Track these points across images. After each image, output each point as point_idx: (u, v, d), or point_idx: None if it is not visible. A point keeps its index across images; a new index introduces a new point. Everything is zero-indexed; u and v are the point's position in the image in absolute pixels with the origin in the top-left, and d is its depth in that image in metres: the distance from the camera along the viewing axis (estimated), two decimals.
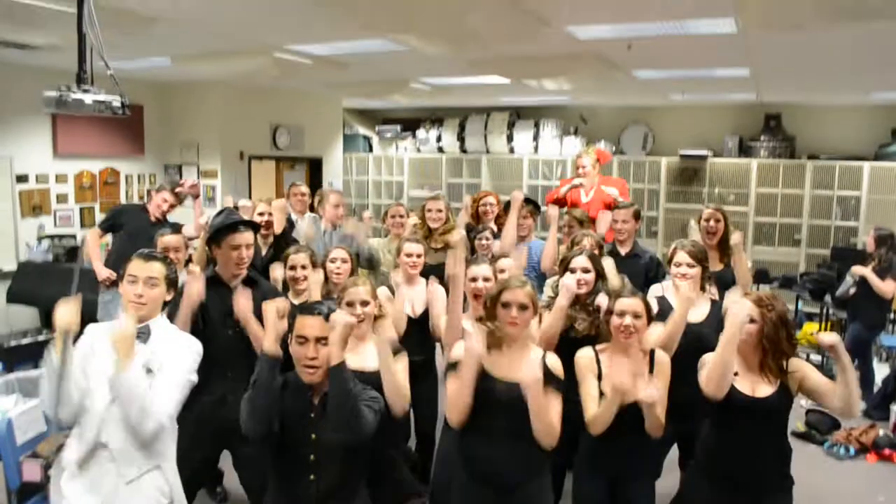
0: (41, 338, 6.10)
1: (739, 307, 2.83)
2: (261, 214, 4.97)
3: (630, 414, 2.94)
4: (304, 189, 6.08)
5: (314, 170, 9.87)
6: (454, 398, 2.82)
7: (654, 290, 4.12)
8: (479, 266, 3.66)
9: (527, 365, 2.75)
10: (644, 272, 4.64)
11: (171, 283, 2.83)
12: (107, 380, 2.56)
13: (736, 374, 2.89)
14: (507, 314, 2.87)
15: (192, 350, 2.80)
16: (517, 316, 2.87)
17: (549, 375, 2.80)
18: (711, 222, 4.57)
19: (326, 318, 2.55)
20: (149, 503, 2.66)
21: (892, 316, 7.36)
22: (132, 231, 5.60)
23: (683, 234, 8.94)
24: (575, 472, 3.29)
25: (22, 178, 7.25)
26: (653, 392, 2.87)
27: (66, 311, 2.46)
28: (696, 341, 3.36)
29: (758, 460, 2.88)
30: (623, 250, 4.83)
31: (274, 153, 9.19)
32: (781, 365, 2.89)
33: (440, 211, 5.24)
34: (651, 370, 3.11)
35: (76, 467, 2.63)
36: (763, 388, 2.87)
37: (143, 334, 2.67)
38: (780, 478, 2.95)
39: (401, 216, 5.42)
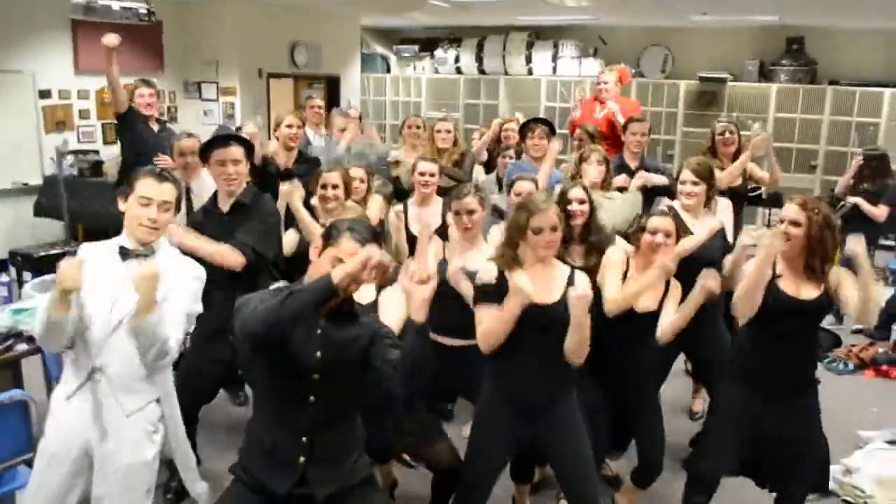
0: (68, 249, 6.30)
1: (773, 237, 2.81)
2: (289, 127, 4.80)
3: (636, 322, 3.10)
4: (320, 102, 6.12)
5: (332, 89, 9.88)
6: (491, 330, 2.77)
7: (663, 203, 4.22)
8: (464, 199, 3.40)
9: (575, 284, 2.78)
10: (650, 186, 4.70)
11: (179, 203, 2.71)
12: (108, 306, 2.47)
13: (779, 275, 2.92)
14: (542, 239, 2.79)
15: (196, 277, 2.70)
16: (552, 238, 2.81)
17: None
18: (727, 134, 4.64)
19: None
20: (140, 434, 2.57)
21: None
22: (138, 139, 5.31)
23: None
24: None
25: (45, 94, 7.34)
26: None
27: (70, 272, 2.30)
28: (703, 263, 3.32)
29: (796, 362, 2.95)
30: (633, 164, 4.89)
31: (292, 71, 9.21)
32: (825, 268, 2.88)
33: (449, 132, 5.22)
34: (666, 290, 3.19)
35: (72, 395, 2.55)
36: (808, 291, 2.89)
37: (148, 257, 2.56)
38: (811, 379, 3.02)
39: (418, 127, 5.46)
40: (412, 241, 3.82)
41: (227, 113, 8.51)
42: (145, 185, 2.56)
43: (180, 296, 2.58)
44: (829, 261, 2.90)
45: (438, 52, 11.13)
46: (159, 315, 2.44)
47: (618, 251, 3.30)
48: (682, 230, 3.29)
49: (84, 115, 7.75)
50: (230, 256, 3.22)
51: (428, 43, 11.33)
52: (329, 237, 2.30)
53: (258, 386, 2.42)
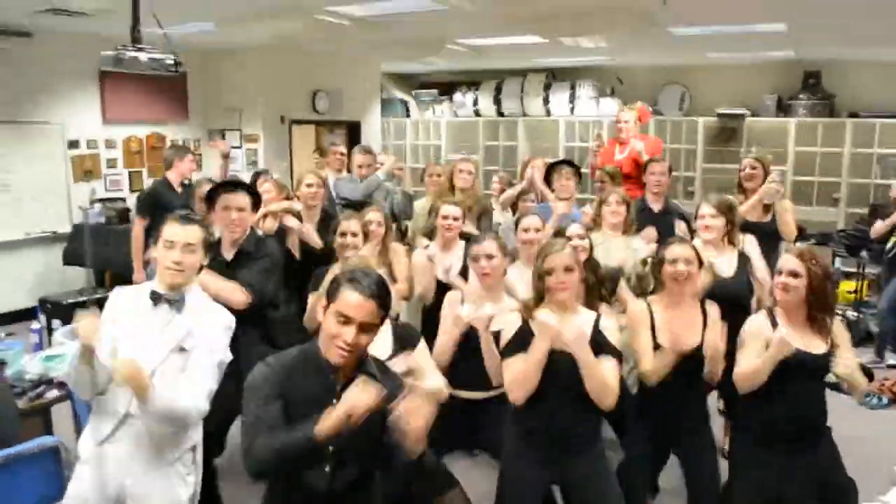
0: (96, 296, 6.39)
1: (784, 338, 2.79)
2: (309, 186, 4.59)
3: (684, 365, 2.99)
4: (343, 149, 6.24)
5: (353, 134, 10.02)
6: (522, 377, 2.74)
7: (678, 229, 4.24)
8: (482, 244, 3.39)
9: (570, 325, 2.72)
10: (675, 229, 4.68)
11: (209, 246, 2.76)
12: (139, 353, 2.44)
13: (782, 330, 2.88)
14: (555, 280, 2.81)
15: (225, 325, 2.67)
16: (565, 279, 2.81)
17: (600, 341, 2.79)
18: (747, 170, 4.63)
19: (380, 303, 2.17)
20: (175, 478, 2.58)
21: None
22: (167, 211, 5.56)
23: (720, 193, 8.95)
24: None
25: (73, 144, 7.55)
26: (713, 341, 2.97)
27: (88, 327, 2.32)
28: (729, 298, 3.38)
29: (808, 416, 2.91)
30: (657, 206, 4.85)
31: (314, 117, 9.36)
32: (827, 319, 2.91)
33: (470, 173, 5.17)
34: (704, 321, 3.12)
35: (104, 441, 2.53)
36: (814, 344, 2.89)
37: (178, 302, 2.57)
38: (822, 429, 2.99)
39: (438, 175, 5.47)
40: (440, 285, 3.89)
41: (251, 160, 8.65)
42: (170, 229, 2.61)
43: (208, 349, 2.55)
44: (830, 311, 2.93)
45: (457, 96, 11.28)
46: (183, 365, 2.47)
47: (638, 303, 3.24)
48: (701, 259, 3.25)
49: (111, 164, 7.93)
50: (234, 296, 3.27)
51: (447, 87, 11.49)
52: (330, 293, 2.20)
53: None
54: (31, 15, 6.10)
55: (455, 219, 4.11)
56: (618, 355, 2.81)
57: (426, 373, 2.98)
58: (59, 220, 7.43)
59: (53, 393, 3.56)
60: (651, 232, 4.50)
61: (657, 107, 10.15)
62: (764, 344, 2.89)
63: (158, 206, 5.51)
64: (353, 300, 2.12)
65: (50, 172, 7.34)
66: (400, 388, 2.26)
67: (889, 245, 6.31)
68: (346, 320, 2.11)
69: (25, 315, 6.56)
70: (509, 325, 2.88)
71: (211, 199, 3.59)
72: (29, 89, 7.10)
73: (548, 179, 5.15)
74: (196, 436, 2.66)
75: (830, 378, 2.97)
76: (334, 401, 2.09)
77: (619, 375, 2.79)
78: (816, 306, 2.89)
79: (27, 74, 7.04)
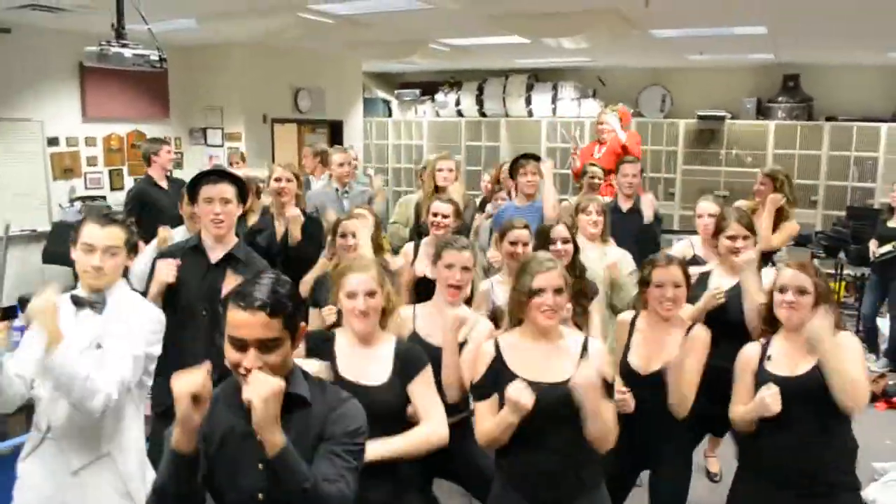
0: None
1: (772, 397, 2.49)
2: (277, 180, 4.38)
3: (652, 390, 2.77)
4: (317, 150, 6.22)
5: (335, 133, 10.00)
6: (491, 436, 2.36)
7: (681, 247, 4.13)
8: (461, 252, 2.96)
9: (579, 368, 2.30)
10: (641, 229, 4.78)
11: (133, 247, 2.53)
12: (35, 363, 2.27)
13: (769, 357, 2.65)
14: (542, 302, 2.37)
15: (150, 319, 2.50)
16: (555, 303, 2.38)
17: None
18: (757, 185, 4.71)
19: (275, 311, 1.76)
20: (108, 495, 2.38)
21: None
22: (156, 209, 5.34)
23: (700, 196, 9.02)
24: None
25: (53, 142, 7.46)
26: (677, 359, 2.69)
27: (40, 306, 2.17)
28: (722, 312, 3.23)
29: (811, 456, 2.51)
30: (625, 206, 4.92)
31: (296, 116, 9.34)
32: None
33: (451, 171, 4.99)
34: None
35: (26, 457, 2.44)
36: (803, 365, 2.55)
37: (98, 305, 2.42)
38: (841, 474, 2.56)
39: (450, 170, 5.21)
40: (425, 283, 3.70)
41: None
42: (88, 230, 2.43)
43: (123, 336, 2.38)
44: (836, 328, 2.57)
45: (439, 96, 11.29)
46: (88, 355, 2.29)
47: (626, 314, 3.09)
48: (689, 277, 3.00)
49: (91, 161, 7.85)
50: None
51: (429, 87, 11.50)
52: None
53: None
54: (10, 10, 6.03)
55: (445, 216, 3.97)
56: (610, 389, 2.43)
57: (426, 411, 2.47)
58: (39, 219, 7.34)
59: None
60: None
61: (638, 108, 10.22)
62: (752, 379, 2.65)
63: (145, 205, 5.44)
64: (238, 318, 1.75)
65: (29, 170, 7.26)
66: (344, 403, 1.89)
67: (885, 249, 6.14)
68: (240, 344, 1.75)
69: (5, 315, 6.47)
70: (482, 358, 2.47)
71: (192, 190, 3.19)
72: (8, 86, 7.01)
73: (512, 175, 4.90)
74: (111, 444, 2.42)
75: None
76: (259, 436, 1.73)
77: (615, 412, 2.45)
78: None
79: (6, 71, 6.95)
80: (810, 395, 2.49)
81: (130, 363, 2.35)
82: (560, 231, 3.40)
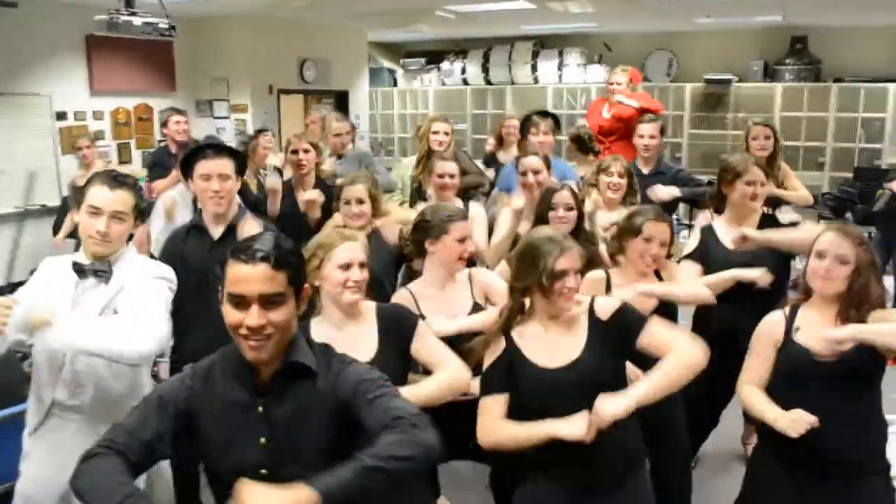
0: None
1: (801, 424, 2.21)
2: (294, 152, 4.28)
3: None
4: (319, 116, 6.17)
5: (341, 103, 9.99)
6: (497, 440, 2.16)
7: (703, 218, 3.73)
8: (461, 223, 2.82)
9: (596, 311, 2.20)
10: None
11: (140, 213, 2.39)
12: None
13: (797, 328, 2.38)
14: (565, 286, 2.15)
15: (165, 278, 2.38)
16: (577, 284, 2.19)
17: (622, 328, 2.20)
18: (761, 139, 4.34)
19: (278, 264, 1.64)
20: None
21: None
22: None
23: (707, 160, 9.03)
24: None
25: (61, 116, 7.48)
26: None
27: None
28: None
29: (840, 436, 2.26)
30: (646, 168, 4.48)
31: (302, 87, 9.33)
32: (864, 318, 2.25)
33: (447, 134, 4.63)
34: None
35: (34, 432, 2.34)
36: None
37: (103, 273, 2.29)
38: (871, 457, 2.36)
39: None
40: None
41: (240, 129, 8.62)
42: (95, 194, 2.28)
43: (144, 288, 2.28)
44: (872, 309, 2.27)
45: (445, 64, 11.25)
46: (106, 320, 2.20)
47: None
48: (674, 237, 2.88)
49: (99, 135, 7.86)
50: None
51: (434, 55, 11.45)
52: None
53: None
54: None
55: (451, 176, 3.76)
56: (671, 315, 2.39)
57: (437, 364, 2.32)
58: (49, 194, 7.38)
59: None
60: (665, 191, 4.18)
61: (645, 73, 10.16)
62: (773, 352, 2.40)
63: (163, 172, 5.34)
64: (239, 272, 1.63)
65: (38, 146, 7.28)
66: (349, 365, 1.75)
67: (879, 205, 6.10)
68: (241, 301, 1.63)
69: (18, 289, 6.54)
70: (491, 349, 2.24)
71: (186, 166, 2.96)
72: (16, 61, 7.00)
73: (523, 134, 4.66)
74: None
75: None
76: (260, 408, 1.68)
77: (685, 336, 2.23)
78: (855, 303, 2.27)
79: (14, 45, 6.95)
80: (849, 379, 2.29)
81: (164, 306, 2.29)
82: (564, 196, 3.20)
